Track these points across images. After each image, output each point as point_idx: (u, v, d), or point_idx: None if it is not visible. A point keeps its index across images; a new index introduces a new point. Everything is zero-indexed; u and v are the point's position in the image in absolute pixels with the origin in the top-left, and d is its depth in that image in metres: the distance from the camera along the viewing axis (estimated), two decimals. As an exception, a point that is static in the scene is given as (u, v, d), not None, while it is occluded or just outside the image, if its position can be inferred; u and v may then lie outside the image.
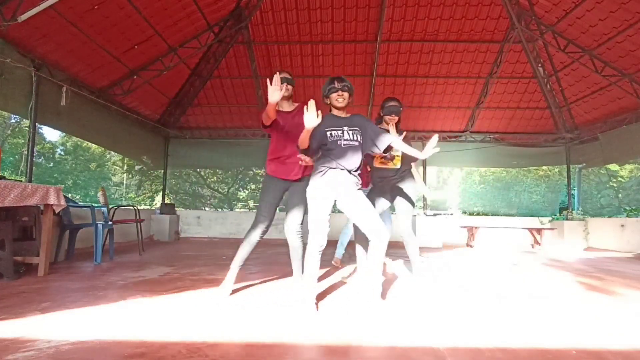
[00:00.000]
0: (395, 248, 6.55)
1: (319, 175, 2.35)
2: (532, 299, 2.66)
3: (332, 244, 3.93)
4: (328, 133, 2.37)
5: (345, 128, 2.39)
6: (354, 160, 2.36)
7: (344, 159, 2.33)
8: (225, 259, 4.67)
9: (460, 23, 6.79)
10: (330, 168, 2.33)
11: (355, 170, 2.39)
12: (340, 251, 4.19)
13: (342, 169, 2.33)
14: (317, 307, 2.29)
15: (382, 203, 3.23)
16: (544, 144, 8.45)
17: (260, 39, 7.21)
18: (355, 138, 2.38)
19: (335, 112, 2.47)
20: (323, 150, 2.40)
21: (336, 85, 2.41)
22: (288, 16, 6.78)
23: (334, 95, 2.42)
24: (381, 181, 3.24)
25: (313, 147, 2.31)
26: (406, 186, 3.20)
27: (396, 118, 3.13)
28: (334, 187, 2.33)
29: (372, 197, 3.22)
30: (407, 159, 3.16)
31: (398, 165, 3.16)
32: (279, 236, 7.98)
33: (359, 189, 2.41)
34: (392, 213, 3.74)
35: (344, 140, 2.35)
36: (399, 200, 3.21)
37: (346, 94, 2.42)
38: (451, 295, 2.77)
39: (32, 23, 4.27)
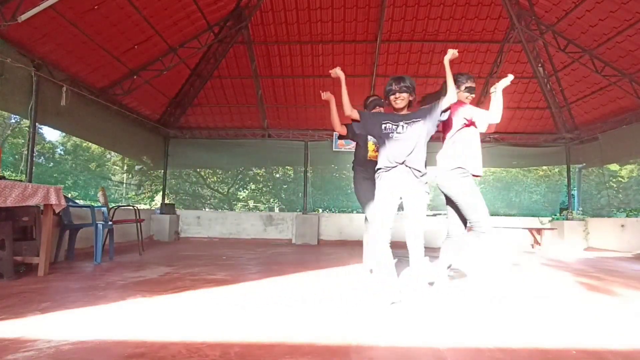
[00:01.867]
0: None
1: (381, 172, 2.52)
2: (532, 299, 2.66)
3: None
4: (383, 125, 2.48)
5: (402, 123, 2.46)
6: (408, 152, 2.41)
7: (396, 151, 2.43)
8: (225, 259, 4.67)
9: (460, 23, 6.78)
10: (388, 166, 2.47)
11: (415, 164, 2.43)
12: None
13: (398, 164, 2.43)
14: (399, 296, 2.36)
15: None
16: (544, 144, 8.45)
17: (260, 39, 7.21)
18: (410, 131, 2.43)
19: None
20: (379, 145, 2.58)
21: (393, 87, 2.49)
22: (288, 16, 6.78)
23: (392, 98, 2.52)
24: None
25: (355, 130, 2.60)
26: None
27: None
28: (396, 185, 2.45)
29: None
30: None
31: None
32: (279, 236, 8.01)
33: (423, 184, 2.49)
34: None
35: (396, 133, 2.44)
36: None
37: (404, 95, 2.48)
38: (451, 295, 2.77)
39: (32, 23, 4.26)
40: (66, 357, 1.50)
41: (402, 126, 2.43)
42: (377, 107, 3.30)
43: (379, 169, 2.50)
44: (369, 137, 3.28)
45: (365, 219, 3.43)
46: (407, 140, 2.42)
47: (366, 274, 3.48)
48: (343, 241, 7.71)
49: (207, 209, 18.28)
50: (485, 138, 8.50)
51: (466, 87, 2.74)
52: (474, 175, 2.63)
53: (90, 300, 2.40)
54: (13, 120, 16.62)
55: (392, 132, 2.43)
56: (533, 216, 8.74)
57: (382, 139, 2.49)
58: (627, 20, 5.43)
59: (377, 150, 3.09)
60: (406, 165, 2.41)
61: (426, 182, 2.51)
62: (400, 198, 2.46)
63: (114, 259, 4.31)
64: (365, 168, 3.28)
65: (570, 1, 5.78)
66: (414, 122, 2.44)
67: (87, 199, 17.97)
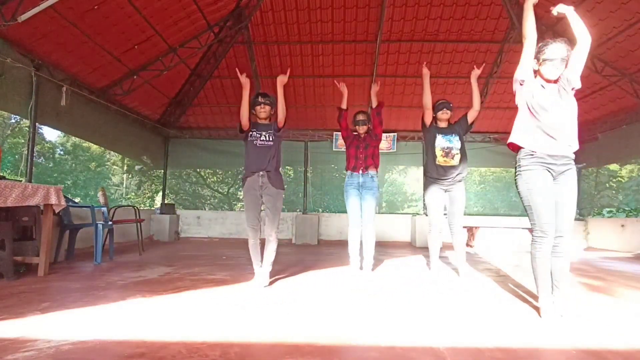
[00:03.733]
0: (392, 247, 6.57)
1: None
2: (532, 299, 2.66)
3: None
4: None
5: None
6: None
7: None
8: (225, 258, 4.67)
9: (460, 23, 6.78)
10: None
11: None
12: (356, 262, 3.82)
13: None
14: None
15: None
16: (544, 144, 8.44)
17: (260, 39, 7.21)
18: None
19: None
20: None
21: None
22: (288, 16, 6.78)
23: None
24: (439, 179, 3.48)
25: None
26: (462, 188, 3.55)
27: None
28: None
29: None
30: (465, 160, 3.49)
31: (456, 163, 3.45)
32: (279, 236, 7.99)
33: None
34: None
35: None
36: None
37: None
38: (451, 295, 2.77)
39: (32, 23, 4.26)
40: (66, 357, 1.50)
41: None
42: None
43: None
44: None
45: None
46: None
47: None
48: (343, 241, 7.69)
49: (207, 209, 18.31)
50: (485, 138, 8.55)
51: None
52: None
53: (90, 300, 2.40)
54: (13, 120, 16.62)
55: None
56: (533, 216, 8.74)
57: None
58: (627, 20, 5.43)
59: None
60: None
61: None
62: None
63: (114, 259, 4.31)
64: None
65: (570, 1, 5.77)
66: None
67: (87, 199, 17.98)
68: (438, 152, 3.41)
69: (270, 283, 3.08)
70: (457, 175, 3.43)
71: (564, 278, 2.26)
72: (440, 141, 3.42)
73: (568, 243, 2.30)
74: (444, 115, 3.52)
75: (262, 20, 6.91)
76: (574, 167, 2.26)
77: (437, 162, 3.42)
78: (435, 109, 3.54)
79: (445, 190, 3.49)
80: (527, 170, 2.23)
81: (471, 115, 3.54)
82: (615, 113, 7.03)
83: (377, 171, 3.73)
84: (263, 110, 3.11)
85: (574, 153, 2.26)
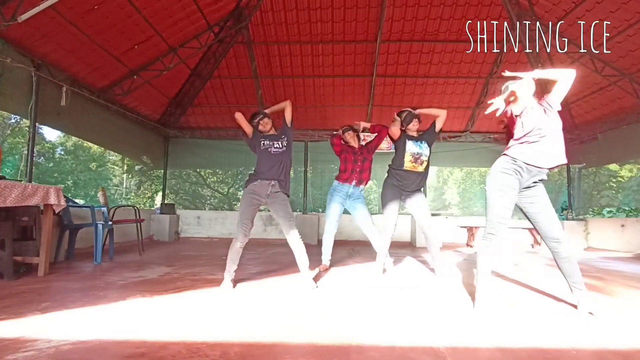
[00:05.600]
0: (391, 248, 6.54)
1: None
2: (532, 299, 2.66)
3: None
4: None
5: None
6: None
7: None
8: (225, 258, 4.67)
9: (460, 23, 6.78)
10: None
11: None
12: (327, 257, 3.96)
13: None
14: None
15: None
16: (544, 144, 8.44)
17: (260, 39, 7.21)
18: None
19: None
20: None
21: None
22: (288, 16, 6.78)
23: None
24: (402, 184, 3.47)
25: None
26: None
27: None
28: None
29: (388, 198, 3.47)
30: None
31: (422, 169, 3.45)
32: (279, 236, 8.00)
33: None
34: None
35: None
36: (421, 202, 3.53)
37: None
38: (451, 295, 2.77)
39: (32, 23, 4.26)
40: (66, 357, 1.50)
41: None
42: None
43: None
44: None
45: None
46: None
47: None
48: (343, 241, 7.70)
49: (207, 209, 18.31)
50: (485, 138, 8.55)
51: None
52: None
53: (90, 300, 2.40)
54: (13, 120, 16.61)
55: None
56: (533, 216, 8.73)
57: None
58: (627, 20, 5.44)
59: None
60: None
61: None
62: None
63: (114, 259, 4.31)
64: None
65: (570, 1, 5.78)
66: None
67: (87, 199, 17.99)
68: (407, 157, 3.39)
69: (270, 283, 3.07)
70: (419, 182, 3.47)
71: (578, 278, 2.33)
72: (411, 146, 3.40)
73: (568, 246, 2.36)
74: (414, 126, 3.50)
75: (262, 20, 6.91)
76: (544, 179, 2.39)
77: (404, 167, 3.40)
78: (405, 120, 3.49)
79: (404, 198, 3.50)
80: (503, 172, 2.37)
81: (439, 123, 3.50)
82: (615, 113, 7.03)
83: (365, 185, 3.91)
84: (265, 123, 3.12)
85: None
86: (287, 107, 3.22)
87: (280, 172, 2.99)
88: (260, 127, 3.11)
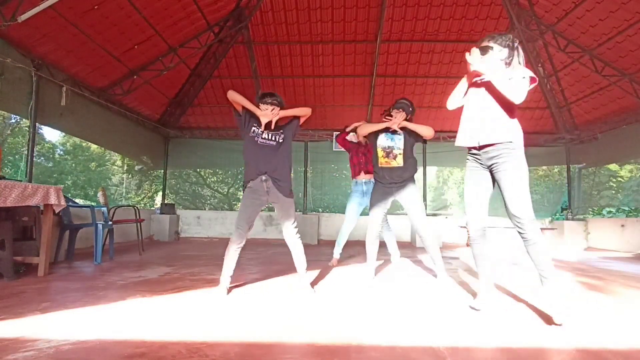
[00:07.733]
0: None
1: None
2: (532, 299, 2.65)
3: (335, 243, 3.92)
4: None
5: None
6: None
7: None
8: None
9: (460, 23, 6.79)
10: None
11: None
12: (337, 251, 4.23)
13: None
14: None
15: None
16: (544, 144, 8.44)
17: (260, 39, 7.21)
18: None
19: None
20: None
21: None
22: (288, 16, 6.78)
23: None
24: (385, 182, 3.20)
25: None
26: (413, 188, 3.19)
27: (402, 113, 3.11)
28: None
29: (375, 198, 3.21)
30: (410, 160, 3.14)
31: (401, 164, 3.11)
32: (279, 236, 7.99)
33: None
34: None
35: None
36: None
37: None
38: (451, 295, 2.77)
39: (32, 23, 4.26)
40: (66, 357, 1.50)
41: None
42: (401, 109, 3.16)
43: None
44: None
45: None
46: None
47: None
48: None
49: (207, 209, 18.31)
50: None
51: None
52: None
53: (90, 300, 2.40)
54: (13, 120, 16.61)
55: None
56: (533, 216, 8.74)
57: None
58: (627, 20, 5.44)
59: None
60: None
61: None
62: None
63: (114, 259, 4.31)
64: None
65: (570, 1, 5.78)
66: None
67: (87, 199, 17.98)
68: (379, 153, 3.14)
69: (270, 283, 3.07)
70: (401, 177, 3.10)
71: (545, 266, 2.08)
72: (382, 140, 3.13)
73: (534, 227, 2.11)
74: (398, 116, 3.11)
75: (262, 20, 6.91)
76: (510, 154, 2.36)
77: (379, 164, 3.15)
78: (393, 106, 3.18)
79: (391, 195, 3.15)
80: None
81: (425, 136, 3.10)
82: (616, 113, 7.03)
83: None
84: (268, 110, 2.68)
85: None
86: (307, 113, 2.89)
87: (271, 167, 2.68)
88: (261, 108, 2.69)
